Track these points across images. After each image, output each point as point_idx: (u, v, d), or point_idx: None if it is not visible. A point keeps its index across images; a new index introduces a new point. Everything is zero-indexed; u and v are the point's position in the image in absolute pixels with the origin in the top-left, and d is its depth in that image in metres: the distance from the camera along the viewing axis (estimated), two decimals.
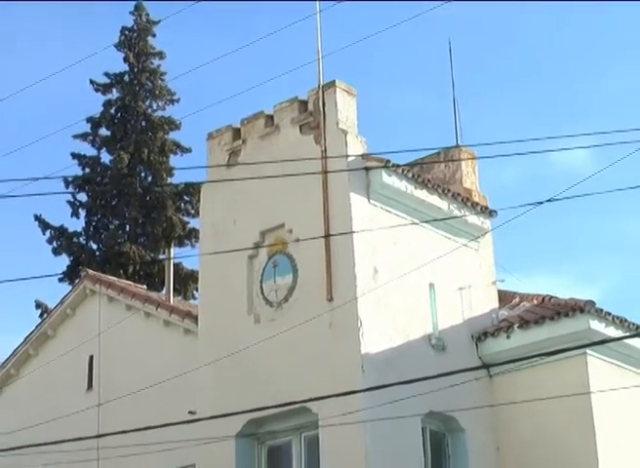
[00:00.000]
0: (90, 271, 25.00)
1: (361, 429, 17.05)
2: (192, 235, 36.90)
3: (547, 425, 18.78)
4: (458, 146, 21.67)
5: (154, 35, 40.38)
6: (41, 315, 34.46)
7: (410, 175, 19.32)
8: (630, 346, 19.32)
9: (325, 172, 18.48)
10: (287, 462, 18.50)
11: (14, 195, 15.39)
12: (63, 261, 37.61)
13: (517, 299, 21.14)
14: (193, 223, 37.33)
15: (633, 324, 19.31)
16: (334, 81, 19.19)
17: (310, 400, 16.22)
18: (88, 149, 38.88)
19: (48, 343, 24.14)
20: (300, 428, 18.19)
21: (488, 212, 20.75)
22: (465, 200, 20.36)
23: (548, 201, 15.04)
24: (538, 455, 18.81)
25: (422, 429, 18.33)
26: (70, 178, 37.70)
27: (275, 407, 16.54)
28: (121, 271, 34.23)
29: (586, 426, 18.46)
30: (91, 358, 23.04)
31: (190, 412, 18.72)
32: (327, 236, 18.21)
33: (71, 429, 19.62)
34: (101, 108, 39.13)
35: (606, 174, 15.65)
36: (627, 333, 19.04)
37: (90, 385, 22.89)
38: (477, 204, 20.65)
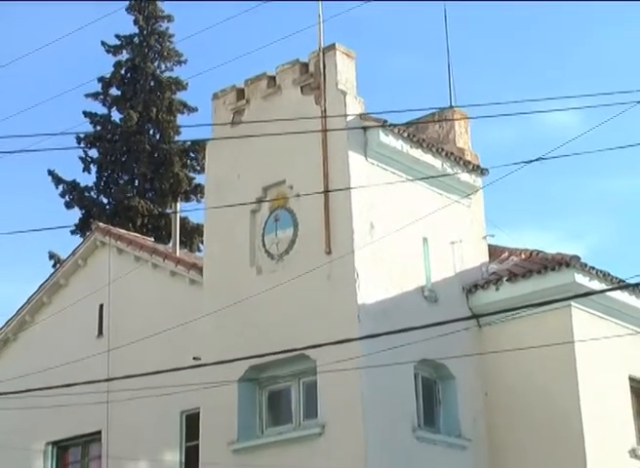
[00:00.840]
0: (100, 224, 25.02)
1: (357, 375, 17.12)
2: (198, 190, 36.88)
3: (533, 372, 18.88)
4: (451, 107, 21.61)
5: None
6: (54, 265, 34.50)
7: (405, 134, 19.30)
8: (612, 298, 19.37)
9: (324, 130, 18.46)
10: (286, 406, 18.59)
11: (29, 150, 15.39)
12: (75, 215, 37.69)
13: (506, 254, 21.16)
14: (199, 179, 37.35)
15: (616, 277, 19.34)
16: (334, 44, 19.12)
17: (309, 347, 16.26)
18: (99, 108, 38.86)
19: (60, 292, 24.18)
20: (299, 374, 18.27)
21: (479, 170, 20.75)
22: (458, 159, 20.34)
23: (537, 160, 15.03)
24: (523, 401, 18.91)
25: (415, 375, 18.41)
26: (82, 135, 37.56)
27: (275, 353, 16.59)
28: (130, 224, 34.23)
29: (570, 373, 18.55)
30: (101, 306, 23.09)
31: (195, 358, 18.77)
32: (326, 192, 18.22)
33: (82, 373, 19.66)
34: (112, 69, 38.98)
35: (593, 135, 15.62)
36: (610, 287, 19.07)
37: (100, 332, 22.96)
38: (469, 162, 20.64)
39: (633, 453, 19.24)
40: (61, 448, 23.47)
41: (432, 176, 19.49)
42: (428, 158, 19.65)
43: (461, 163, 20.32)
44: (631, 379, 19.95)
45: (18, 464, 23.43)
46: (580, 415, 18.32)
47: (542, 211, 59.01)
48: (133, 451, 21.46)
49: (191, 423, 20.55)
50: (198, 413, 19.46)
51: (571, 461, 18.05)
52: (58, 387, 17.34)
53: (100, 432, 22.37)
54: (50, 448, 23.41)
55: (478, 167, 20.78)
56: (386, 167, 19.08)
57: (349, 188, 18.09)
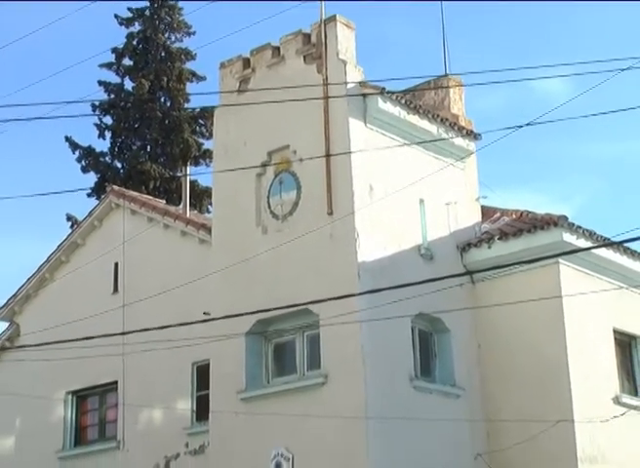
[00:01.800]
0: (115, 187, 25.00)
1: (357, 328, 17.16)
2: (206, 155, 36.86)
3: (523, 326, 18.92)
4: (446, 75, 21.55)
5: None
6: (71, 226, 34.52)
7: (403, 101, 19.25)
8: (598, 256, 19.40)
9: (326, 97, 18.41)
10: (291, 358, 18.64)
11: (47, 117, 15.36)
12: (91, 178, 37.72)
13: (498, 214, 21.16)
14: (207, 144, 37.30)
15: (601, 236, 19.34)
16: (334, 16, 19.01)
17: (312, 302, 16.30)
18: (113, 77, 38.78)
19: (78, 251, 24.20)
20: (303, 327, 18.31)
21: (473, 135, 20.71)
22: (453, 124, 20.29)
23: (528, 125, 15.03)
24: (514, 352, 18.97)
25: (412, 329, 18.45)
26: (97, 103, 37.55)
27: (280, 308, 16.68)
28: (143, 187, 34.25)
29: (558, 326, 18.60)
30: (116, 264, 23.11)
31: (205, 313, 18.81)
32: (327, 156, 18.19)
33: (99, 327, 19.72)
34: (125, 40, 38.89)
35: (581, 101, 15.59)
36: (595, 244, 19.07)
37: (115, 289, 22.99)
38: (463, 128, 20.59)
39: (617, 400, 19.31)
40: (81, 396, 23.58)
41: (428, 141, 19.45)
42: (424, 124, 19.60)
43: (456, 128, 20.27)
44: (615, 332, 20.00)
45: (41, 412, 23.59)
46: (567, 365, 18.39)
47: (533, 173, 58.97)
48: (147, 400, 21.56)
49: (202, 374, 20.63)
50: (208, 365, 19.52)
51: (558, 408, 18.13)
52: (76, 340, 17.43)
53: (116, 382, 22.48)
54: (70, 396, 23.53)
55: (472, 132, 20.74)
56: (385, 132, 19.03)
57: (349, 152, 18.06)
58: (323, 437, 17.26)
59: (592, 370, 18.93)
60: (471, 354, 19.26)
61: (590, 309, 19.19)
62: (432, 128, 19.72)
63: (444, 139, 19.84)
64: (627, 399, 19.60)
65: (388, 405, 17.26)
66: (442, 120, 20.00)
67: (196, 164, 37.19)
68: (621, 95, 38.05)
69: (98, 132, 38.08)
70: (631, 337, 20.50)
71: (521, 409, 18.37)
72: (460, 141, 20.34)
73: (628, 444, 19.17)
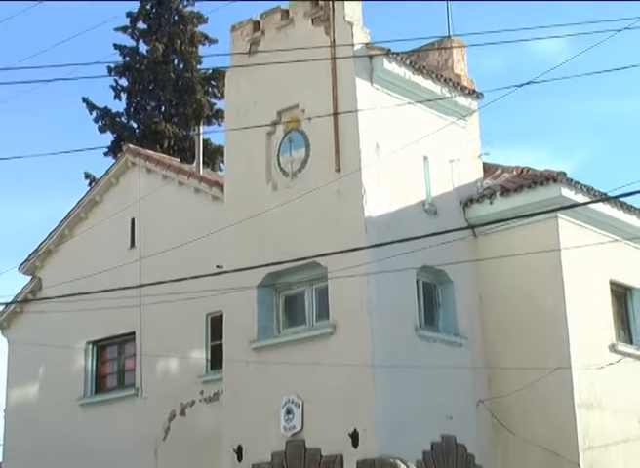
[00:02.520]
0: (131, 146, 24.96)
1: (364, 280, 17.16)
2: (219, 115, 36.71)
3: (523, 277, 18.91)
4: (449, 37, 21.40)
5: None
6: (89, 184, 34.50)
7: (408, 62, 19.12)
8: (595, 210, 19.34)
9: (333, 58, 18.30)
10: (300, 309, 18.67)
11: (66, 78, 15.30)
12: (108, 138, 37.62)
13: (499, 171, 21.06)
14: (219, 104, 37.17)
15: (598, 191, 19.28)
16: None
17: (320, 255, 16.28)
18: (128, 41, 38.51)
19: (96, 208, 24.21)
20: (312, 280, 18.30)
21: (475, 94, 20.58)
22: (455, 84, 20.16)
23: (528, 83, 14.96)
24: (514, 303, 18.97)
25: (417, 281, 18.45)
26: (113, 66, 37.31)
27: (290, 261, 16.70)
28: (157, 146, 34.15)
29: (556, 278, 18.58)
30: (132, 220, 23.13)
31: (218, 267, 18.82)
32: (335, 114, 18.10)
33: (117, 280, 19.78)
34: (139, 5, 38.60)
35: (581, 60, 15.47)
36: (593, 199, 19.02)
37: (132, 243, 23.02)
38: (466, 87, 20.46)
39: (612, 348, 19.35)
40: (100, 346, 23.69)
41: (432, 99, 19.35)
42: (428, 83, 19.48)
43: (459, 88, 20.15)
44: (612, 283, 19.99)
45: (62, 361, 23.73)
46: (564, 315, 18.40)
47: (533, 131, 58.76)
48: (163, 350, 21.67)
49: (215, 324, 20.70)
50: (221, 316, 19.56)
51: (556, 356, 18.16)
52: (95, 292, 17.50)
53: (134, 333, 22.58)
54: (90, 346, 23.64)
55: (474, 91, 20.62)
56: (390, 92, 18.91)
57: (356, 111, 17.97)
58: (331, 384, 17.31)
59: (589, 319, 18.94)
60: (473, 305, 19.26)
61: (587, 261, 19.17)
62: (436, 87, 19.61)
63: (447, 98, 19.73)
64: (622, 347, 19.63)
65: (394, 353, 17.29)
66: (445, 80, 19.87)
67: (209, 123, 37.04)
68: (619, 54, 37.79)
69: (114, 93, 37.96)
70: (626, 288, 20.49)
71: (521, 357, 18.40)
72: (462, 100, 20.22)
73: (623, 390, 19.23)
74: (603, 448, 18.38)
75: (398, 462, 16.59)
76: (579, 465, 17.73)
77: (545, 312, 18.57)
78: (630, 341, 20.18)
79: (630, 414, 19.34)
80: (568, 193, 18.77)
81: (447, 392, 18.05)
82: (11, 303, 24.81)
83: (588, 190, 19.13)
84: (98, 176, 26.96)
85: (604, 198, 18.90)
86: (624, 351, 19.56)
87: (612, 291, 19.99)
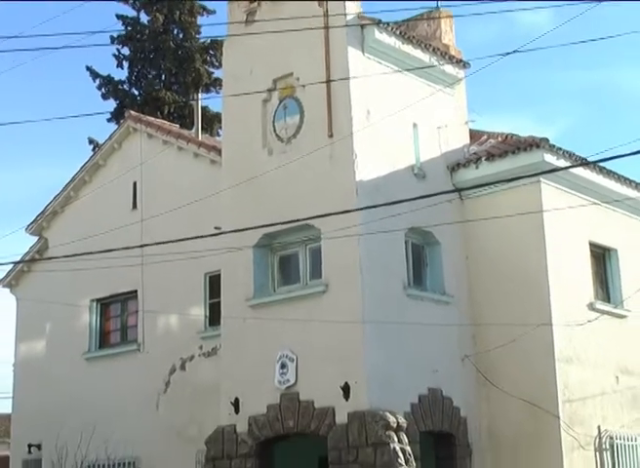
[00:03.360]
0: (132, 112, 24.82)
1: (355, 241, 17.13)
2: (216, 83, 36.48)
3: (507, 239, 18.89)
4: (438, 8, 21.25)
5: None
6: (93, 149, 34.37)
7: (398, 32, 18.98)
8: (576, 175, 19.31)
9: (326, 28, 18.14)
10: (295, 268, 18.65)
11: (71, 46, 15.16)
12: (111, 105, 37.41)
13: (485, 137, 21.00)
14: (217, 73, 36.92)
15: (579, 157, 19.22)
16: None
17: (314, 217, 16.22)
18: (129, 11, 38.20)
19: (99, 171, 24.11)
20: (306, 241, 18.27)
21: (462, 63, 20.45)
22: (444, 53, 20.02)
23: (513, 52, 14.85)
24: (499, 263, 18.97)
25: (405, 242, 18.41)
26: (115, 35, 37.08)
27: (285, 223, 16.67)
28: (158, 113, 33.96)
29: (538, 239, 18.57)
30: (134, 183, 23.05)
31: (216, 228, 18.74)
32: (328, 82, 17.97)
33: (120, 241, 19.73)
34: None
35: (564, 32, 15.36)
36: (574, 164, 18.98)
37: (134, 205, 22.95)
38: (453, 57, 20.33)
39: (591, 306, 19.39)
40: (104, 304, 23.68)
41: (421, 67, 19.22)
42: (418, 53, 19.34)
43: (446, 57, 20.02)
44: (591, 244, 19.99)
45: (68, 317, 23.75)
46: (546, 274, 18.40)
47: (518, 99, 58.64)
48: (164, 307, 21.67)
49: (213, 283, 20.70)
50: (219, 275, 19.54)
51: (538, 313, 18.18)
52: (99, 252, 17.46)
53: (136, 291, 22.57)
54: (94, 304, 23.64)
55: (461, 60, 20.48)
56: (381, 61, 18.78)
57: (348, 78, 17.84)
58: (324, 340, 17.32)
59: (569, 278, 18.95)
60: (459, 265, 19.25)
61: (568, 224, 19.15)
62: (425, 57, 19.46)
63: (435, 67, 19.60)
64: (601, 305, 19.67)
65: (383, 311, 17.30)
66: (434, 49, 19.73)
67: (207, 91, 36.81)
68: (600, 26, 37.60)
69: (116, 62, 37.71)
70: (605, 249, 20.49)
71: (504, 314, 18.42)
72: (450, 69, 20.10)
73: (600, 345, 19.30)
74: (581, 400, 18.47)
75: (387, 414, 16.64)
76: (558, 417, 17.81)
77: (528, 272, 18.57)
78: (608, 300, 20.22)
79: (607, 369, 19.42)
80: (550, 158, 18.70)
81: (434, 348, 18.08)
82: (19, 262, 24.81)
83: (569, 156, 19.07)
84: (101, 142, 26.81)
85: (584, 163, 18.86)
86: (602, 309, 19.60)
87: (591, 251, 19.99)
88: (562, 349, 18.27)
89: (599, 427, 18.76)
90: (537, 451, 17.83)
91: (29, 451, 24.15)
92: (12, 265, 25.05)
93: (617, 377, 19.62)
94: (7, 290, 25.97)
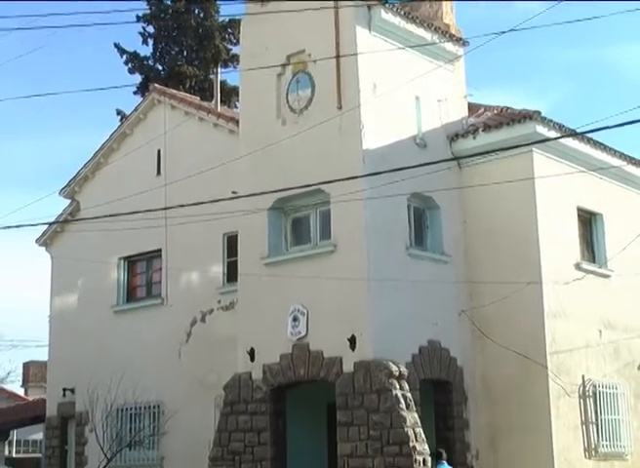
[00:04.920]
0: (157, 86, 24.73)
1: (361, 205, 17.08)
2: (234, 59, 36.15)
3: (501, 203, 18.83)
4: None
5: None
6: (121, 119, 34.23)
7: (402, 12, 18.81)
8: (565, 145, 19.21)
9: (336, 8, 17.99)
10: (306, 229, 18.62)
11: (101, 23, 15.10)
12: (136, 79, 37.25)
13: (482, 110, 20.81)
14: (235, 50, 36.62)
15: (568, 128, 19.07)
16: None
17: (324, 183, 16.19)
18: None
19: (126, 140, 24.04)
20: (316, 204, 18.22)
21: (461, 41, 20.27)
22: (444, 32, 19.83)
23: (509, 31, 14.71)
24: (494, 226, 18.92)
25: (408, 206, 18.35)
26: (141, 14, 36.86)
27: (297, 188, 16.62)
28: (180, 86, 33.79)
29: (530, 204, 18.50)
30: (159, 151, 23.00)
31: (233, 192, 18.70)
32: (337, 57, 17.83)
33: (145, 203, 19.69)
34: None
35: (556, 12, 15.18)
36: (563, 135, 18.85)
37: (158, 171, 22.91)
38: (453, 35, 20.14)
39: (577, 266, 19.36)
40: (131, 261, 23.72)
41: (423, 45, 19.05)
42: (420, 31, 19.17)
43: (447, 35, 19.83)
44: (578, 209, 19.92)
45: (98, 274, 23.82)
46: (537, 237, 18.35)
47: (513, 75, 58.22)
48: (186, 265, 21.71)
49: (231, 243, 20.69)
50: (237, 235, 19.53)
51: (529, 272, 18.14)
52: (127, 214, 17.45)
53: (160, 250, 22.60)
54: (122, 261, 23.67)
55: (460, 39, 20.29)
56: (386, 38, 18.61)
57: (356, 54, 17.69)
58: (332, 295, 17.33)
59: (558, 240, 18.90)
60: (457, 227, 19.19)
61: (558, 190, 19.06)
62: (427, 35, 19.29)
63: (436, 44, 19.42)
64: (586, 265, 19.63)
65: (387, 269, 17.27)
66: (435, 28, 19.54)
67: (225, 66, 36.56)
68: (590, 7, 37.25)
69: (141, 39, 37.49)
70: (591, 214, 20.41)
71: (498, 273, 18.39)
72: (450, 47, 19.92)
73: (585, 302, 19.28)
74: (567, 352, 18.48)
75: (390, 363, 16.68)
76: (546, 367, 17.84)
77: (520, 234, 18.51)
78: (593, 260, 20.18)
79: (591, 324, 19.42)
80: (542, 130, 18.58)
81: (433, 303, 18.08)
82: (53, 223, 24.81)
83: (560, 127, 18.93)
84: (128, 113, 26.70)
85: (573, 134, 18.74)
86: (588, 269, 19.56)
87: (578, 216, 19.91)
88: (550, 305, 18.25)
89: (583, 376, 18.80)
90: (526, 398, 17.88)
91: (64, 395, 24.29)
92: (47, 226, 25.05)
93: (600, 331, 19.62)
94: (42, 248, 26.00)
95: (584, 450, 18.44)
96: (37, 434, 37.25)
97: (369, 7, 18.18)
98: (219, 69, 26.59)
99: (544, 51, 57.68)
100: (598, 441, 18.76)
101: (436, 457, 16.03)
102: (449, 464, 16.31)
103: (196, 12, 37.53)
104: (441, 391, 18.33)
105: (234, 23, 35.55)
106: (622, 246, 19.82)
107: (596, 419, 18.81)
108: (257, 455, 17.80)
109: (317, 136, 17.91)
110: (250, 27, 19.88)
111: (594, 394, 18.92)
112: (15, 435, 40.10)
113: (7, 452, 36.09)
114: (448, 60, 19.90)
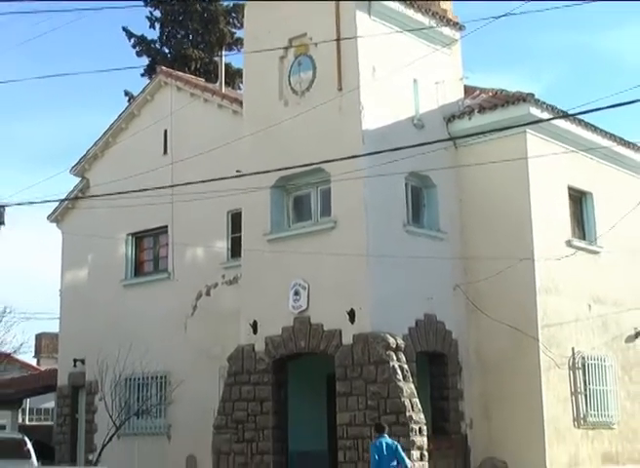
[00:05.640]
0: (163, 68, 24.65)
1: (361, 184, 17.02)
2: (238, 42, 35.93)
3: (496, 183, 18.78)
4: None
5: None
6: (129, 100, 34.07)
7: None
8: (557, 126, 19.11)
9: None
10: (307, 207, 18.57)
11: (110, 7, 15.02)
12: (144, 61, 37.10)
13: (477, 92, 20.72)
14: (239, 33, 36.41)
15: (561, 110, 18.98)
16: None
17: (324, 162, 16.11)
18: None
19: (134, 120, 23.94)
20: (317, 183, 18.15)
21: (458, 26, 20.12)
22: (442, 17, 19.70)
23: (505, 15, 14.59)
24: (488, 204, 18.88)
25: (405, 185, 18.29)
26: None
27: (299, 166, 16.55)
28: (186, 68, 33.66)
29: (523, 183, 18.45)
30: (165, 131, 22.91)
31: (237, 171, 18.63)
32: (338, 40, 17.71)
33: (152, 181, 19.68)
34: None
35: None
36: (556, 116, 18.76)
37: (165, 151, 22.83)
38: (450, 20, 19.99)
39: (568, 243, 19.32)
40: (138, 237, 23.70)
41: (421, 29, 18.91)
42: (418, 16, 19.04)
43: (444, 20, 19.69)
44: (570, 188, 19.86)
45: (107, 249, 23.81)
46: (529, 214, 18.32)
47: (507, 58, 57.94)
48: (191, 240, 21.69)
49: (235, 220, 20.65)
50: (240, 212, 19.49)
51: (522, 248, 18.11)
52: (134, 192, 17.42)
53: (166, 226, 22.57)
54: (130, 237, 23.65)
55: (457, 23, 20.14)
56: (385, 22, 18.48)
57: (356, 37, 17.57)
58: (332, 270, 17.30)
59: (550, 218, 18.86)
60: (453, 205, 19.14)
61: (550, 169, 18.99)
62: (425, 19, 19.16)
63: (434, 28, 19.29)
64: (577, 242, 19.60)
65: (385, 245, 17.24)
66: (433, 13, 19.41)
67: (230, 49, 36.40)
68: None
69: (149, 23, 37.36)
70: (582, 193, 20.35)
71: (492, 249, 18.35)
72: (447, 31, 19.79)
73: (576, 277, 19.27)
74: (558, 325, 18.49)
75: (387, 336, 16.67)
76: (537, 339, 17.84)
77: (514, 212, 18.47)
78: (584, 237, 20.14)
79: (581, 299, 19.42)
80: (535, 111, 18.49)
81: (429, 278, 18.05)
82: (64, 200, 24.78)
83: (552, 109, 18.84)
84: (136, 94, 26.58)
85: (565, 115, 18.64)
86: (578, 246, 19.53)
87: (569, 195, 19.86)
88: (542, 281, 18.23)
89: (573, 349, 18.81)
90: (518, 369, 17.90)
91: (74, 365, 24.34)
92: (58, 202, 25.02)
93: (589, 306, 19.62)
94: (54, 224, 25.96)
95: (573, 420, 18.49)
96: (49, 403, 37.36)
97: None
98: (223, 52, 26.57)
99: (538, 35, 57.38)
100: (587, 410, 18.80)
101: (377, 430, 15.27)
102: (389, 437, 15.18)
103: None
104: (436, 363, 18.34)
105: (238, 8, 35.40)
106: (612, 223, 19.78)
107: (585, 390, 18.84)
108: (259, 424, 17.84)
109: (318, 116, 17.82)
110: (253, 12, 19.75)
111: (583, 365, 18.94)
112: (28, 403, 40.21)
113: (20, 420, 36.17)
114: (445, 44, 19.77)
